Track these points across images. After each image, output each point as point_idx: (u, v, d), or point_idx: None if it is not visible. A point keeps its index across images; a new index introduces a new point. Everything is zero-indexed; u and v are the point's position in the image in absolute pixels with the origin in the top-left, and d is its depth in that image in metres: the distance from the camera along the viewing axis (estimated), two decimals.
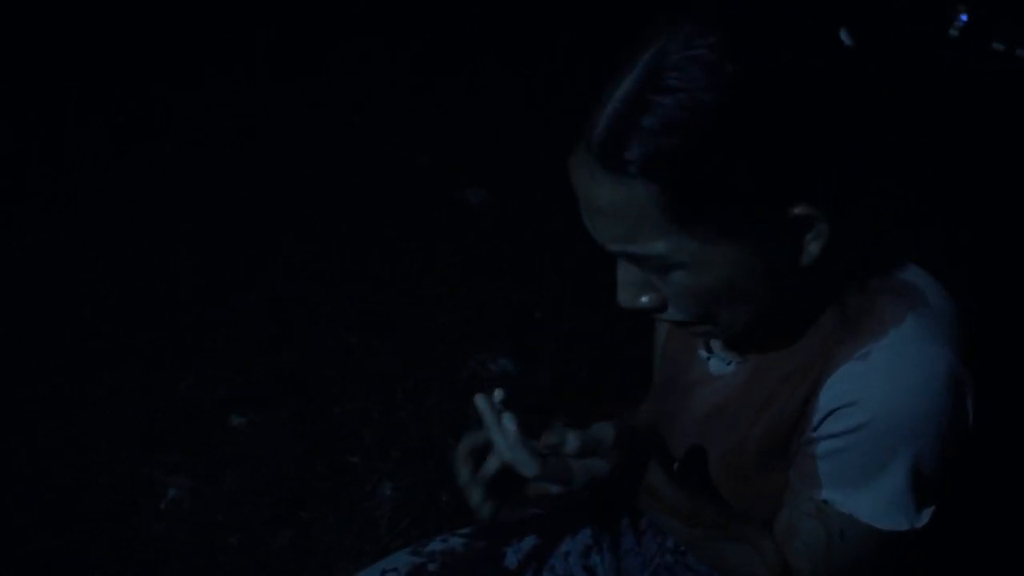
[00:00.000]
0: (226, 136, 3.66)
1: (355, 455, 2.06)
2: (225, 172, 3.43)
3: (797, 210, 0.74)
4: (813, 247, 0.77)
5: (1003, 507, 1.71)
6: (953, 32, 3.47)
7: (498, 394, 0.85)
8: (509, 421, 0.81)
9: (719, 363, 0.95)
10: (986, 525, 1.59)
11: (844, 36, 0.77)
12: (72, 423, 2.38)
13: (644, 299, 0.83)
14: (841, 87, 0.74)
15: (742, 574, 0.91)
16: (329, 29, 4.37)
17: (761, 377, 0.89)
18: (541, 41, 4.22)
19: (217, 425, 2.26)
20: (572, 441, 0.81)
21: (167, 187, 3.35)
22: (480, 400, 0.84)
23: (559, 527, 1.22)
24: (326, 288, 2.83)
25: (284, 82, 4.00)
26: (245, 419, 2.26)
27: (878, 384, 0.78)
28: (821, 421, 0.82)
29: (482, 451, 0.90)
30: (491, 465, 0.87)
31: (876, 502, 0.81)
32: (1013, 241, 2.71)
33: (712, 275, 0.78)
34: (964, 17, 3.49)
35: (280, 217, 3.17)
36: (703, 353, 0.97)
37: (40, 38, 4.11)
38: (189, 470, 2.11)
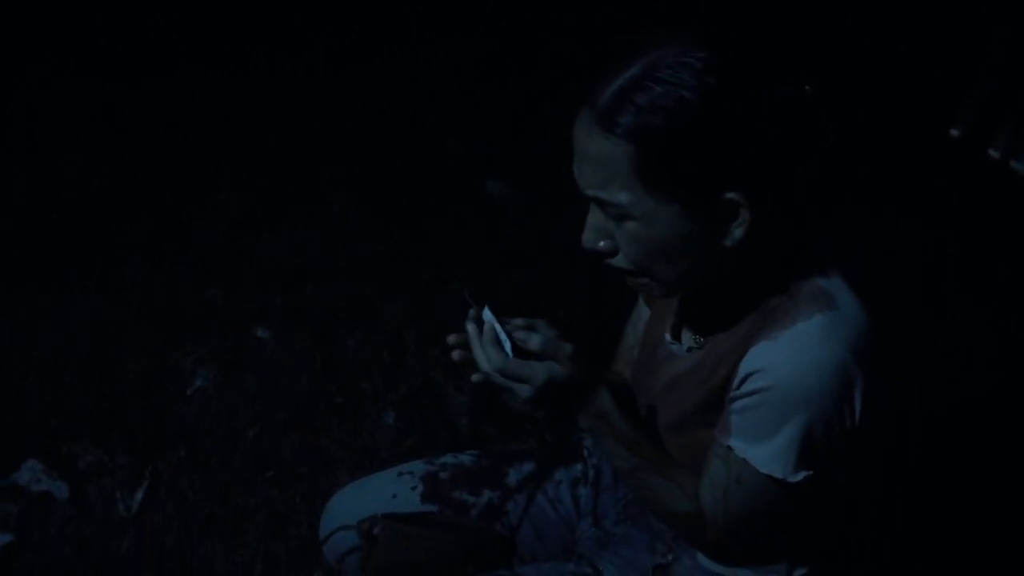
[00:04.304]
0: (289, 107, 3.90)
1: (365, 383, 2.32)
2: (279, 130, 3.69)
3: (729, 195, 0.97)
4: (737, 232, 0.99)
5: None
6: (954, 132, 3.75)
7: (487, 313, 1.08)
8: (488, 327, 1.06)
9: (679, 347, 1.20)
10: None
11: (808, 88, 1.04)
12: (102, 302, 2.62)
13: (602, 243, 1.04)
14: (786, 118, 0.99)
15: (664, 507, 1.12)
16: (389, 32, 4.64)
17: (705, 359, 1.13)
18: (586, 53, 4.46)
19: (242, 334, 2.52)
20: (535, 339, 1.05)
21: (235, 144, 3.61)
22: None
23: (556, 459, 1.45)
24: (348, 240, 3.07)
25: (345, 70, 4.26)
26: (269, 333, 2.52)
27: (780, 359, 0.98)
28: (739, 384, 1.02)
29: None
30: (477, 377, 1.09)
31: (765, 453, 1.00)
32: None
33: (656, 230, 0.99)
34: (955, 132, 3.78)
35: (318, 170, 3.44)
36: (668, 338, 1.22)
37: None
38: (215, 366, 2.36)
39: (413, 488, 1.40)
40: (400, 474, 1.44)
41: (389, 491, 1.41)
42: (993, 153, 3.77)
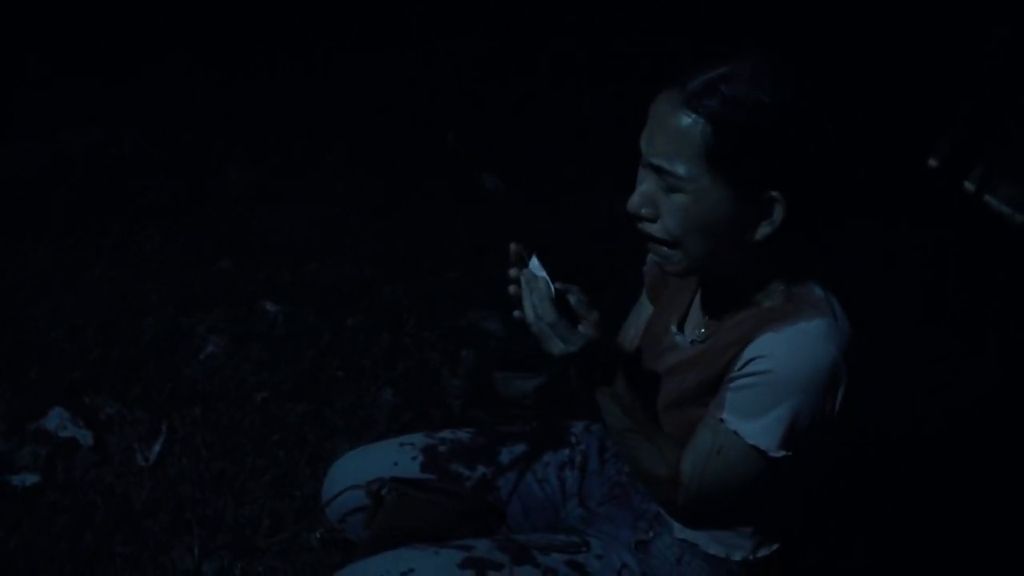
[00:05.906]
0: (290, 106, 4.05)
1: (366, 359, 2.48)
2: (279, 130, 3.84)
3: (773, 193, 1.14)
4: (764, 229, 1.16)
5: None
6: (932, 162, 3.92)
7: (535, 261, 1.20)
8: (542, 281, 1.18)
9: (683, 339, 1.37)
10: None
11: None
12: (118, 267, 2.77)
13: (644, 209, 1.19)
14: (833, 138, 1.17)
15: (644, 467, 1.27)
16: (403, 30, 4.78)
17: (708, 350, 1.30)
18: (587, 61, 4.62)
19: (252, 306, 2.67)
20: (573, 298, 1.20)
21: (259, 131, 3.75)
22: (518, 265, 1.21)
23: (545, 443, 1.59)
24: (351, 224, 3.23)
25: (345, 70, 4.40)
26: (277, 307, 2.67)
27: (783, 348, 1.15)
28: (742, 367, 1.18)
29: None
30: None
31: (754, 427, 1.16)
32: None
33: (702, 206, 1.15)
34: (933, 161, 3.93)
35: (319, 168, 3.58)
36: (674, 329, 1.39)
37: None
38: (226, 334, 2.51)
39: (414, 458, 1.53)
40: (402, 444, 1.57)
41: (391, 458, 1.53)
42: (969, 185, 3.94)
